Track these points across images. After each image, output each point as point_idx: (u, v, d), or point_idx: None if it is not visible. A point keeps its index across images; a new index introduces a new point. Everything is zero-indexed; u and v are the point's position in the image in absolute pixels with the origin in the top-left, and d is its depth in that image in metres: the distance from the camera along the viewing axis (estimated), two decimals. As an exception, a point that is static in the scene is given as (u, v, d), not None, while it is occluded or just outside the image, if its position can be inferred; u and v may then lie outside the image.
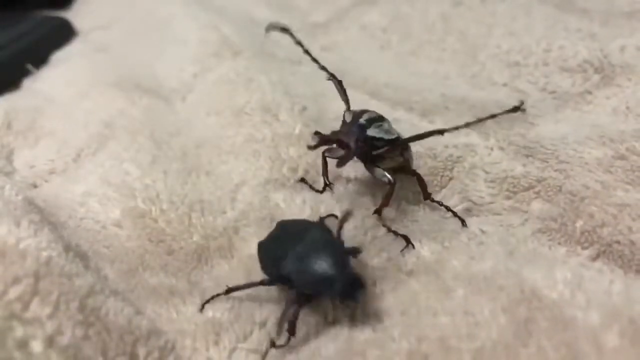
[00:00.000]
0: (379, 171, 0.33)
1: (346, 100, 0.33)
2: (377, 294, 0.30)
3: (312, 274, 0.28)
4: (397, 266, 0.31)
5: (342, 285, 0.27)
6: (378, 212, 0.33)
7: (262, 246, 0.31)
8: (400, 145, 0.33)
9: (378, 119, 0.33)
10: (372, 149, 0.32)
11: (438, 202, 0.35)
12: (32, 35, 0.55)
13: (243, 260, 0.33)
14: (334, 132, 0.32)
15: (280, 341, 0.29)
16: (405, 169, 0.35)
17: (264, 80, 0.45)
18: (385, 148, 0.33)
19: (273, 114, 0.41)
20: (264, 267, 0.31)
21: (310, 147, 0.31)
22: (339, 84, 0.33)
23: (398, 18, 0.55)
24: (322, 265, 0.28)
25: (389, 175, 0.32)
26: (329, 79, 0.33)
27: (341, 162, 0.32)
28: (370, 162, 0.33)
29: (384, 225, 0.33)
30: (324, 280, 0.27)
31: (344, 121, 0.33)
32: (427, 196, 0.35)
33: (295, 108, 0.42)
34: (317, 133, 0.31)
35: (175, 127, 0.43)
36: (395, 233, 0.32)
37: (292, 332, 0.28)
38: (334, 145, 0.32)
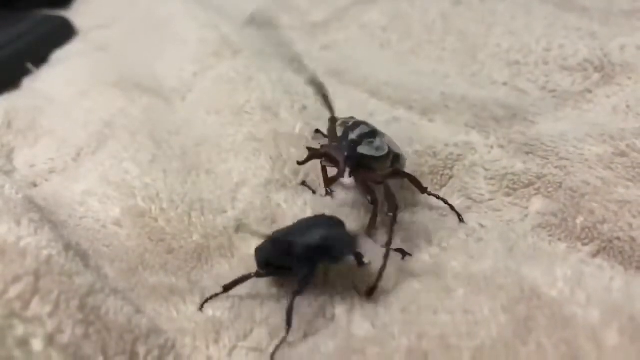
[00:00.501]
0: (364, 190, 0.32)
1: (330, 109, 0.33)
2: (377, 291, 0.30)
3: (300, 242, 0.29)
4: (398, 268, 0.31)
5: (332, 247, 0.28)
6: (368, 233, 0.32)
7: (258, 249, 0.32)
8: (392, 158, 0.34)
9: (370, 135, 0.32)
10: (361, 166, 0.32)
11: (435, 195, 0.35)
12: (32, 35, 0.55)
13: (244, 260, 0.33)
14: (324, 146, 0.32)
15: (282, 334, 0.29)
16: (396, 175, 0.34)
17: (264, 79, 0.45)
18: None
19: (273, 112, 0.41)
20: (260, 265, 0.31)
21: (300, 163, 0.32)
22: (324, 97, 0.33)
23: (398, 17, 0.55)
24: (308, 233, 0.29)
25: (370, 197, 0.32)
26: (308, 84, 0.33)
27: (330, 181, 0.32)
28: (358, 174, 0.33)
29: (377, 244, 0.32)
30: (310, 246, 0.28)
31: (331, 131, 0.33)
32: (424, 190, 0.35)
33: (295, 107, 0.42)
34: (317, 131, 0.32)
35: (175, 126, 0.43)
36: (390, 250, 0.30)
37: (288, 322, 0.28)
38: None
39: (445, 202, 0.35)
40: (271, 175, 0.37)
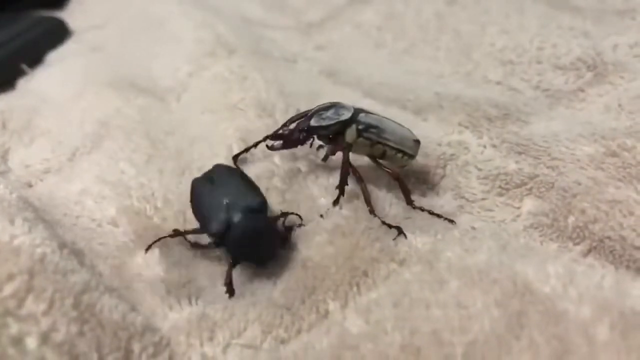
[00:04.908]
0: (353, 169, 0.34)
1: None
2: (369, 284, 0.30)
3: (250, 251, 0.32)
4: (389, 256, 0.31)
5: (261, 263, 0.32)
6: (371, 211, 0.33)
7: (197, 184, 0.35)
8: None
9: (325, 109, 0.35)
10: (320, 136, 0.35)
11: (420, 208, 0.35)
12: (26, 35, 0.55)
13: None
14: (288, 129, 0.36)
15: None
16: (391, 175, 0.35)
17: (259, 78, 0.45)
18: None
19: (268, 113, 0.42)
20: (193, 203, 0.34)
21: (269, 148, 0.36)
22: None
23: (392, 17, 0.55)
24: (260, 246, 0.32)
25: (355, 176, 0.34)
26: None
27: (273, 147, 0.36)
28: (342, 150, 0.35)
29: (371, 213, 0.33)
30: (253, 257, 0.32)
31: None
32: (410, 202, 0.35)
33: (289, 110, 0.42)
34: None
35: (170, 126, 0.43)
36: (389, 225, 0.32)
37: (229, 291, 0.31)
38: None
39: (431, 212, 0.35)
40: (262, 170, 0.37)
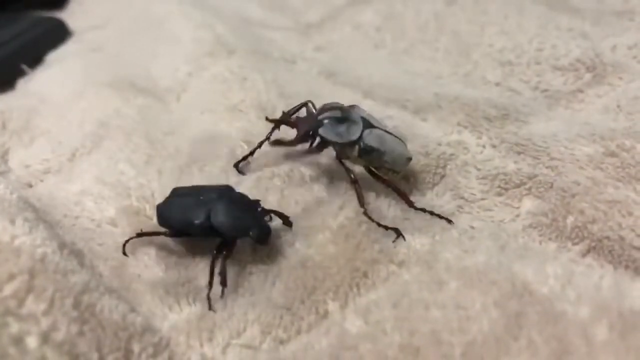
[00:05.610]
0: (347, 169, 0.35)
1: None
2: (368, 285, 0.30)
3: (236, 221, 0.32)
4: (388, 257, 0.31)
5: (258, 232, 0.32)
6: (365, 212, 0.34)
7: (164, 206, 0.34)
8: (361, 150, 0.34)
9: (339, 120, 0.34)
10: (325, 145, 0.35)
11: (422, 209, 0.35)
12: (26, 36, 0.55)
13: (237, 258, 0.33)
14: (297, 117, 0.35)
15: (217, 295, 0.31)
16: (385, 183, 0.35)
17: (259, 78, 0.45)
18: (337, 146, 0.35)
19: (268, 114, 0.42)
20: (167, 222, 0.33)
21: (269, 120, 0.36)
22: None
23: (392, 17, 0.55)
24: (244, 214, 0.32)
25: (351, 175, 0.34)
26: None
27: (277, 143, 0.36)
28: (338, 157, 0.35)
29: (371, 220, 0.33)
30: (244, 227, 0.32)
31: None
32: (410, 204, 0.35)
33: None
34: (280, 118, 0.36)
35: (169, 126, 0.43)
36: (386, 227, 0.33)
37: (224, 282, 0.31)
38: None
39: (432, 213, 0.35)
40: (263, 172, 0.37)
